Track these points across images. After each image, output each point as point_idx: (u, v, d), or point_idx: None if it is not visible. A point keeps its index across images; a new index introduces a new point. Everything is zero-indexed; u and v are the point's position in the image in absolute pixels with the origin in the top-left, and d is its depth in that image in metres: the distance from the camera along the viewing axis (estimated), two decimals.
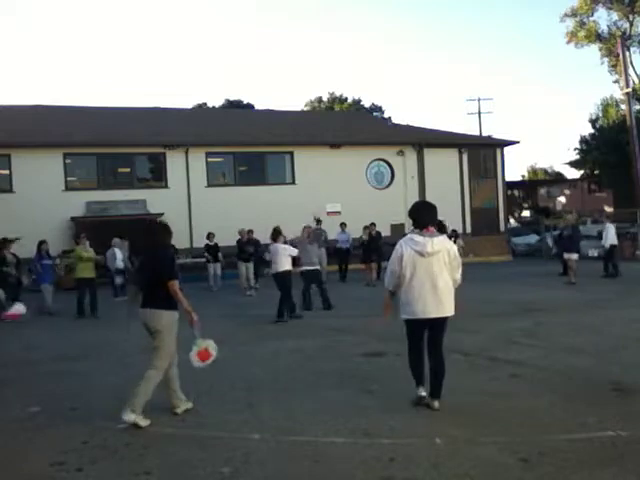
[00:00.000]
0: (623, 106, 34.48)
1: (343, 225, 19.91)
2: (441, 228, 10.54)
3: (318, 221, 18.43)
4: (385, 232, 23.24)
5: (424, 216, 5.43)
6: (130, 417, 5.01)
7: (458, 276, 5.39)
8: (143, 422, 5.05)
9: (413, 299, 5.28)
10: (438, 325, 5.32)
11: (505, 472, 3.96)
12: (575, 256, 15.49)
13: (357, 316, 11.31)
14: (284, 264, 11.25)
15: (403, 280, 5.32)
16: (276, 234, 11.63)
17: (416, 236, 5.30)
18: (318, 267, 12.59)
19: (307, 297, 12.36)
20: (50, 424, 5.31)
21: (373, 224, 18.37)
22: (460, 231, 23.80)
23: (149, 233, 5.77)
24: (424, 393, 5.36)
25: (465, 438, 4.51)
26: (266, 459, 4.32)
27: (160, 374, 5.29)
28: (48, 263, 13.71)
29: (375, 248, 17.72)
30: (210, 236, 17.71)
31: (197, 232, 21.84)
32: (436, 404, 5.24)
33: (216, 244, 17.65)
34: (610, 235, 17.33)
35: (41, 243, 13.64)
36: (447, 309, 5.29)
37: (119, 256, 16.10)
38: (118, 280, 16.09)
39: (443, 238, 5.36)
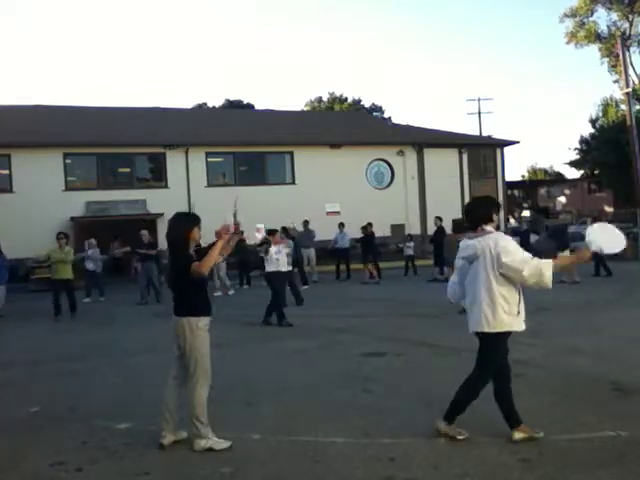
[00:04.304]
0: (623, 106, 34.45)
1: (341, 226, 20.11)
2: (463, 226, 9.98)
3: (306, 222, 18.77)
4: (385, 232, 23.33)
5: (467, 215, 4.71)
6: (201, 443, 4.52)
7: (525, 273, 4.28)
8: (218, 445, 4.53)
9: (467, 309, 4.64)
10: (480, 341, 4.54)
11: (505, 472, 3.96)
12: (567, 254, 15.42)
13: (356, 316, 11.32)
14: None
15: None
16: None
17: (464, 239, 4.64)
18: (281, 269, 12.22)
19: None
20: (50, 424, 5.30)
21: (369, 224, 18.62)
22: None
23: (171, 226, 4.84)
24: (518, 435, 4.44)
25: (465, 438, 4.50)
26: (266, 459, 4.32)
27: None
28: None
29: (368, 248, 18.07)
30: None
31: None
32: (437, 424, 4.58)
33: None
34: None
35: None
36: (483, 324, 4.41)
37: (91, 256, 16.10)
38: (91, 281, 16.21)
39: (482, 238, 4.43)
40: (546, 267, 4.29)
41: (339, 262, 19.42)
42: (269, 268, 11.02)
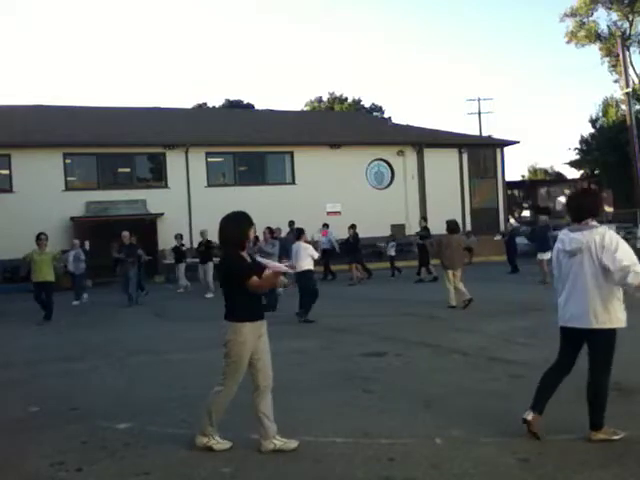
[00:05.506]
0: (623, 106, 34.46)
1: (325, 226, 20.54)
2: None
3: (291, 223, 19.02)
4: (385, 232, 23.36)
5: (574, 206, 4.49)
6: (203, 440, 4.51)
7: (611, 266, 4.17)
8: (218, 446, 4.50)
9: (560, 303, 4.54)
10: (587, 339, 4.57)
11: (505, 472, 3.96)
12: (548, 256, 15.39)
13: (356, 316, 11.33)
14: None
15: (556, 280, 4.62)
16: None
17: (564, 231, 4.49)
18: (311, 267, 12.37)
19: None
20: (50, 424, 5.31)
21: (353, 226, 18.89)
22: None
23: (221, 228, 4.53)
24: (529, 416, 4.47)
25: (465, 438, 4.51)
26: (266, 459, 4.32)
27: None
28: None
29: (352, 249, 18.43)
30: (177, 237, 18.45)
31: (197, 232, 21.88)
32: (592, 436, 4.44)
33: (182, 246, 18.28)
34: None
35: None
36: (590, 320, 4.35)
37: (70, 259, 16.11)
38: (76, 283, 16.28)
39: (588, 232, 4.27)
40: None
41: (324, 263, 19.78)
42: (307, 267, 11.09)
